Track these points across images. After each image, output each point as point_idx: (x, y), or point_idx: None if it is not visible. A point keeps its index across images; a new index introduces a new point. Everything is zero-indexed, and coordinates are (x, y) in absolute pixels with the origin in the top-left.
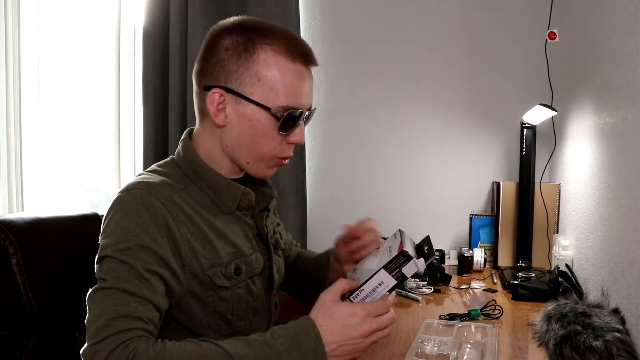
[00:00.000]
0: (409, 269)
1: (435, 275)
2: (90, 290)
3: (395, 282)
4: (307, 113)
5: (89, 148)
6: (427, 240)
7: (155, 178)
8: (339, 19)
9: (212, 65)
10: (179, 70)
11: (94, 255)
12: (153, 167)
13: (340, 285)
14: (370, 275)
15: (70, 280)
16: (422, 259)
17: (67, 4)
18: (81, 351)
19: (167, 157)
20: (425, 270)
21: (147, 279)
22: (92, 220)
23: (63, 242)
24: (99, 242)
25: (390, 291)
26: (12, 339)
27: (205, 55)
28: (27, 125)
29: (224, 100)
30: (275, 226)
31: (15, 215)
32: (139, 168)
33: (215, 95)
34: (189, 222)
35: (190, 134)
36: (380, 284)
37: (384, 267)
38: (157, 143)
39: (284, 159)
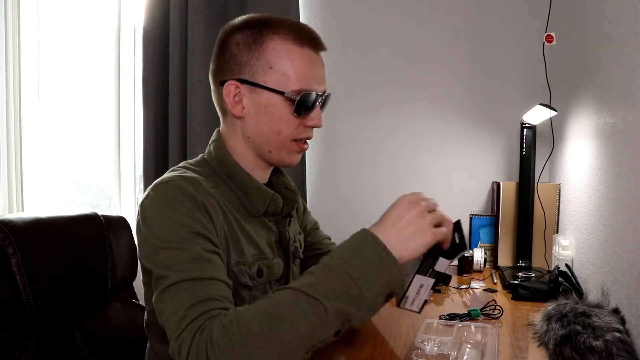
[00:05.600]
0: (440, 266)
1: None
2: (154, 294)
3: (434, 279)
4: (322, 97)
5: (89, 148)
6: (457, 226)
7: (189, 173)
8: (339, 19)
9: (225, 61)
10: (179, 70)
11: (93, 255)
12: (184, 163)
13: None
14: (409, 282)
15: (70, 280)
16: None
17: (67, 3)
18: (169, 350)
19: (167, 157)
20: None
21: (208, 259)
22: (92, 220)
23: (63, 242)
24: (138, 236)
25: (436, 277)
26: (12, 339)
27: (218, 54)
28: (27, 125)
29: (240, 91)
30: (297, 234)
31: (15, 215)
32: (139, 168)
33: (230, 87)
34: (223, 215)
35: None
36: (421, 286)
37: (417, 272)
38: (157, 143)
39: (304, 142)
